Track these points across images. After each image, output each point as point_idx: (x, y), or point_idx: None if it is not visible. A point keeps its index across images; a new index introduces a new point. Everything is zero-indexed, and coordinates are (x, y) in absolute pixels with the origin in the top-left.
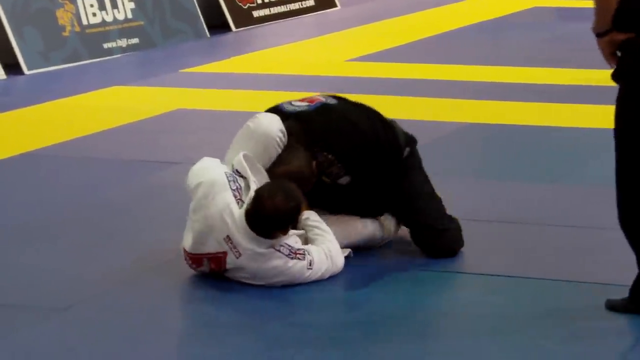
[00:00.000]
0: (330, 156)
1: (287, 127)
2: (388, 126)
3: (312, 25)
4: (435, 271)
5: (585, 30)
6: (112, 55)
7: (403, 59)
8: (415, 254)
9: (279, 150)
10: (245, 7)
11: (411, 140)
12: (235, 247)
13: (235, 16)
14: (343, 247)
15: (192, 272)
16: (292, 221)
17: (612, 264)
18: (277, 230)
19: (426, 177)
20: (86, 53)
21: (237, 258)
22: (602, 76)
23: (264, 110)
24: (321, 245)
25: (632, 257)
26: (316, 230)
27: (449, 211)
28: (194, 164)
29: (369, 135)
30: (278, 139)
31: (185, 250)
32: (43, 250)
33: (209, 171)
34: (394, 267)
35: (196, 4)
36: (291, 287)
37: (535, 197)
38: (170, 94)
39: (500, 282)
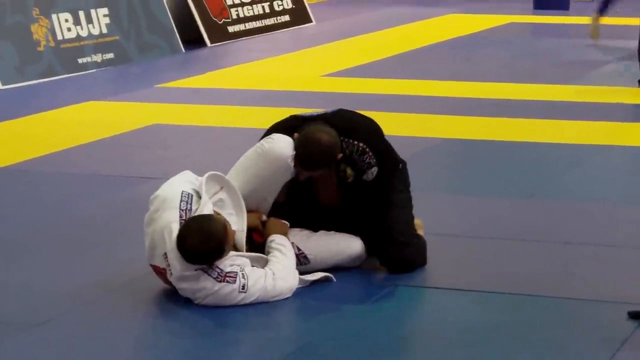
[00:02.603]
0: (361, 144)
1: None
2: None
3: (288, 41)
4: (409, 286)
5: (560, 46)
6: (88, 70)
7: (378, 75)
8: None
9: (287, 177)
10: (221, 22)
11: (402, 160)
12: (169, 265)
13: (210, 31)
14: (329, 266)
15: (167, 286)
16: (214, 258)
17: (586, 279)
18: (201, 264)
19: (410, 197)
20: (61, 68)
21: (170, 276)
22: (576, 92)
23: (282, 119)
24: (269, 266)
25: (606, 272)
26: (274, 252)
27: (424, 227)
28: (170, 178)
29: (383, 134)
30: (287, 165)
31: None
32: (18, 265)
33: (169, 186)
34: (364, 282)
35: (171, 19)
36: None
37: (510, 213)
38: (146, 109)
39: (474, 297)
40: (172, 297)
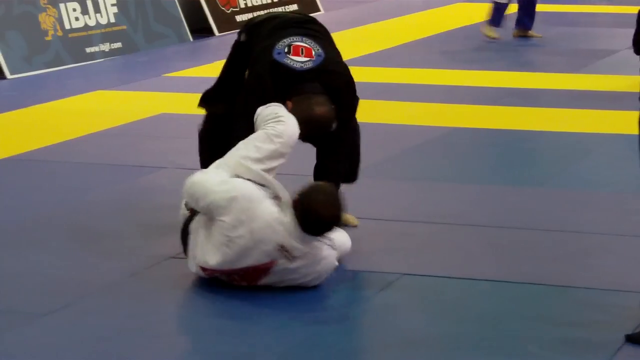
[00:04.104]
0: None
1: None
2: None
3: None
4: (416, 275)
5: (569, 35)
6: (95, 59)
7: (387, 63)
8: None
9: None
10: (229, 11)
11: None
12: (288, 252)
13: (218, 21)
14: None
15: (176, 276)
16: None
17: (596, 269)
18: (329, 231)
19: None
20: (69, 57)
21: (292, 261)
22: (585, 80)
23: (266, 60)
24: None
25: (617, 261)
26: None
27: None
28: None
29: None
30: (295, 143)
31: (206, 269)
32: (27, 254)
33: (234, 185)
34: (369, 271)
35: (179, 9)
36: (281, 291)
37: (520, 202)
38: (154, 98)
39: (485, 287)
40: (180, 287)
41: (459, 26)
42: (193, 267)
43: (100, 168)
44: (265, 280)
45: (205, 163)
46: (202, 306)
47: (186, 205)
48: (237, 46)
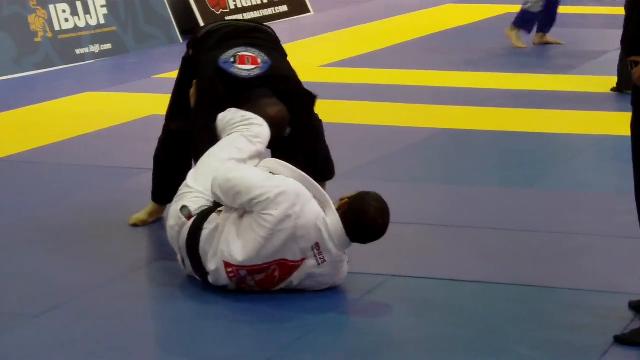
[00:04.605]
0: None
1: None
2: None
3: (286, 31)
4: (409, 277)
5: (557, 35)
6: (85, 61)
7: (377, 65)
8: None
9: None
10: (218, 12)
11: None
12: (321, 254)
13: (208, 22)
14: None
15: (164, 278)
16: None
17: (585, 270)
18: (372, 241)
19: None
20: (59, 59)
21: (319, 264)
22: (574, 82)
23: (212, 74)
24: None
25: (605, 262)
26: None
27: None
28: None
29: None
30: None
31: (239, 266)
32: (18, 255)
33: (283, 180)
34: (358, 272)
35: (169, 10)
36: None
37: (509, 203)
38: (144, 99)
39: (473, 288)
40: (168, 289)
41: (449, 27)
42: (213, 264)
43: (89, 170)
44: (283, 284)
45: (161, 182)
46: (189, 308)
47: (182, 211)
48: (185, 61)
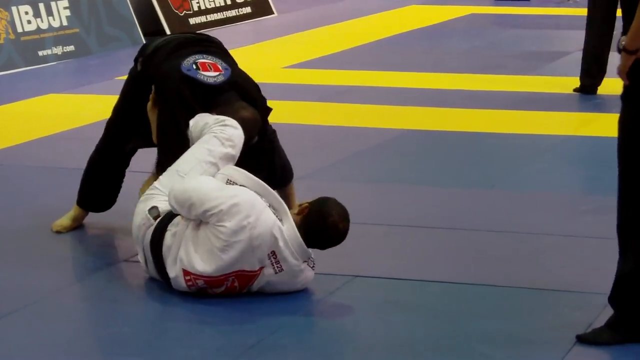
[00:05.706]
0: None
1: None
2: None
3: (249, 33)
4: (369, 277)
5: (521, 37)
6: (48, 62)
7: (341, 66)
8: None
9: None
10: (182, 14)
11: None
12: (278, 263)
13: (171, 23)
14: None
15: (132, 280)
16: None
17: (548, 270)
18: (331, 247)
19: None
20: (21, 60)
21: (277, 273)
22: (537, 82)
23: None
24: None
25: (569, 262)
26: None
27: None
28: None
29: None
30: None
31: (197, 275)
32: None
33: (236, 191)
34: (321, 274)
35: (132, 11)
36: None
37: (472, 203)
38: (107, 101)
39: (437, 288)
40: (133, 290)
41: (414, 28)
42: (172, 272)
43: (54, 172)
44: (244, 290)
45: (92, 189)
46: (155, 309)
47: (150, 212)
48: (133, 78)
